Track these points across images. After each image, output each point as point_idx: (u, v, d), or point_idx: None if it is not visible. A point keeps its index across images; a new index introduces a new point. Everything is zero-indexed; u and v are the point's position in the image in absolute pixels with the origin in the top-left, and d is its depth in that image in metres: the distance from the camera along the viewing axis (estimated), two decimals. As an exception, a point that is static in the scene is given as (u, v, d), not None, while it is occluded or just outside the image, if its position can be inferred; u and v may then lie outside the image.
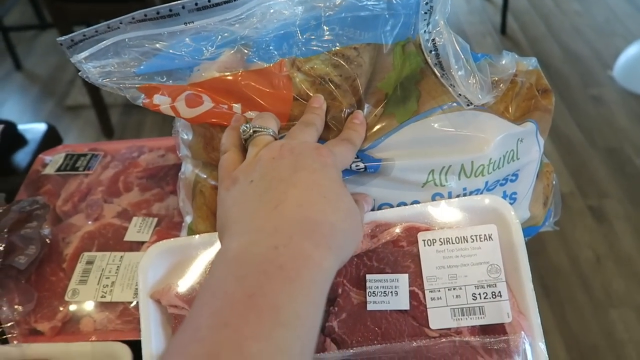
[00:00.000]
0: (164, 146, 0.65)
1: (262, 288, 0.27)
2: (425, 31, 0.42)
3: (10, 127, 1.07)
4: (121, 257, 0.52)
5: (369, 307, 0.39)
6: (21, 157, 1.10)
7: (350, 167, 0.39)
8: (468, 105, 0.40)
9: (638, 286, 1.56)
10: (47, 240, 0.52)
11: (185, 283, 0.41)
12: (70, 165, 0.64)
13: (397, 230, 0.40)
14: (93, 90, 2.25)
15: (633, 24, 2.63)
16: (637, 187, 1.83)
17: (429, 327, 0.39)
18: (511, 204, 0.45)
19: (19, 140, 1.12)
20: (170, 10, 0.41)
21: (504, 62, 0.47)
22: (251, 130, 0.36)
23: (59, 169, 0.63)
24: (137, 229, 0.55)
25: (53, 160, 0.65)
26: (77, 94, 2.50)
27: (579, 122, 2.12)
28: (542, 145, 0.46)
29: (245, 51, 0.45)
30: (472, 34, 2.66)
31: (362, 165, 0.40)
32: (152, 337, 0.40)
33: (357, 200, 0.37)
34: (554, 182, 0.58)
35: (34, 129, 1.15)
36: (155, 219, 0.56)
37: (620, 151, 1.98)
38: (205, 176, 0.46)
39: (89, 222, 0.56)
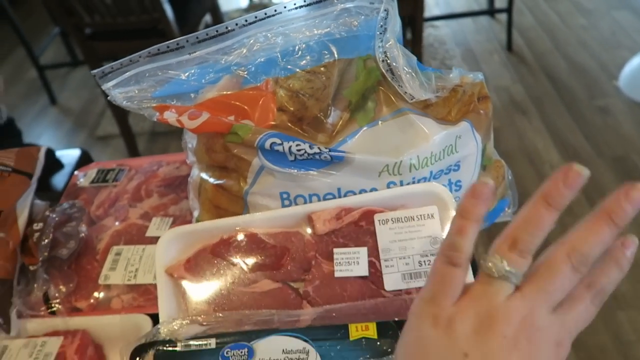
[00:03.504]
0: (179, 160, 0.77)
1: None
2: (379, 47, 0.52)
3: (50, 152, 1.22)
4: (143, 249, 0.63)
5: (337, 274, 0.49)
6: (59, 179, 1.25)
7: (320, 157, 0.49)
8: (412, 99, 0.50)
9: (645, 289, 1.59)
10: (83, 236, 0.64)
11: (193, 259, 0.52)
12: (102, 178, 0.76)
13: (358, 213, 0.50)
14: (121, 121, 2.42)
15: (639, 35, 2.68)
16: (643, 193, 1.87)
17: (384, 289, 0.48)
18: (457, 190, 0.54)
19: (57, 165, 1.26)
20: (177, 44, 0.53)
21: (451, 75, 0.57)
22: (502, 271, 0.28)
23: (92, 182, 0.76)
24: (156, 227, 0.66)
25: (87, 174, 0.77)
26: (106, 125, 2.67)
27: (585, 133, 2.17)
28: (480, 141, 0.55)
29: (242, 74, 0.56)
30: (479, 52, 2.75)
31: (329, 156, 0.50)
32: (166, 302, 0.50)
33: None
34: (509, 177, 0.66)
35: (69, 154, 1.29)
36: (171, 219, 0.67)
37: (627, 159, 2.02)
38: (207, 177, 0.57)
39: (117, 223, 0.68)
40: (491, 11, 2.98)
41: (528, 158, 2.10)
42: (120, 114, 2.45)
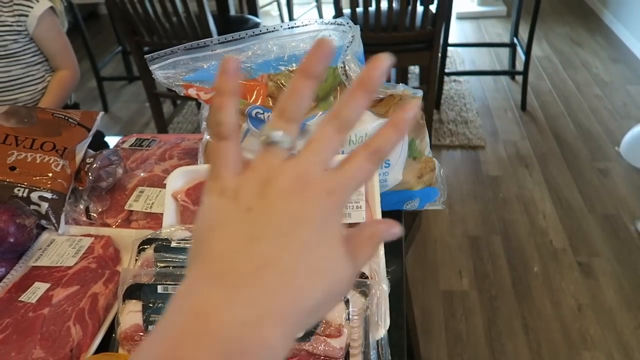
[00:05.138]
0: (197, 138, 1.00)
1: None
2: (341, 59, 0.75)
3: (99, 134, 1.48)
4: (160, 191, 0.86)
5: (288, 208, 0.70)
6: (103, 157, 1.49)
7: None
8: None
9: (613, 334, 1.70)
10: (118, 176, 0.87)
11: (192, 189, 0.73)
12: (138, 144, 1.00)
13: (310, 168, 0.71)
14: (162, 132, 2.72)
15: (649, 108, 2.84)
16: (627, 249, 1.99)
17: (320, 222, 0.69)
18: (386, 166, 0.75)
19: (104, 145, 1.52)
20: (205, 43, 0.77)
21: (396, 88, 0.78)
22: (272, 137, 0.30)
23: (131, 145, 1.00)
24: (172, 178, 0.88)
25: (128, 140, 1.01)
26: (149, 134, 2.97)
27: (581, 190, 2.32)
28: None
29: (249, 71, 0.79)
30: (494, 108, 2.95)
31: None
32: (168, 215, 0.72)
33: (358, 244, 0.31)
34: (442, 175, 0.86)
35: (114, 139, 1.55)
36: (184, 175, 0.89)
37: (617, 217, 2.15)
38: (211, 139, 0.79)
39: (143, 174, 0.91)
40: (511, 72, 3.20)
41: (524, 206, 2.26)
42: (162, 126, 2.75)
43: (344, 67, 0.74)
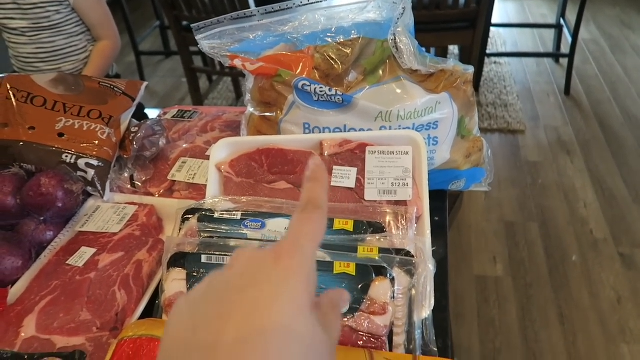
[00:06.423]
0: (239, 111, 1.00)
1: None
2: (392, 31, 0.72)
3: (141, 105, 1.49)
4: (202, 162, 0.86)
5: (332, 184, 0.69)
6: (143, 129, 1.51)
7: (335, 99, 0.69)
8: (405, 66, 0.69)
9: (654, 329, 1.64)
10: (162, 146, 0.87)
11: (235, 160, 0.73)
12: (180, 115, 1.00)
13: (355, 144, 0.70)
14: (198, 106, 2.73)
15: (703, 97, 2.69)
16: (673, 242, 1.91)
17: (364, 199, 0.67)
18: (434, 144, 0.73)
19: (144, 116, 1.54)
20: (252, 13, 0.76)
21: (446, 63, 0.75)
22: None
23: (173, 116, 1.00)
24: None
25: (170, 112, 1.02)
26: (185, 109, 2.99)
27: (626, 179, 2.23)
28: (457, 110, 0.73)
29: (295, 42, 0.78)
30: (536, 91, 2.86)
31: (341, 99, 0.69)
32: (212, 186, 0.72)
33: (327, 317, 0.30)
34: (489, 154, 0.83)
35: (151, 112, 1.57)
36: (226, 147, 0.89)
37: (663, 210, 2.06)
38: (255, 112, 0.78)
39: (185, 145, 0.91)
40: (556, 55, 3.08)
41: (564, 194, 2.19)
42: (198, 101, 2.77)
43: (395, 39, 0.72)
